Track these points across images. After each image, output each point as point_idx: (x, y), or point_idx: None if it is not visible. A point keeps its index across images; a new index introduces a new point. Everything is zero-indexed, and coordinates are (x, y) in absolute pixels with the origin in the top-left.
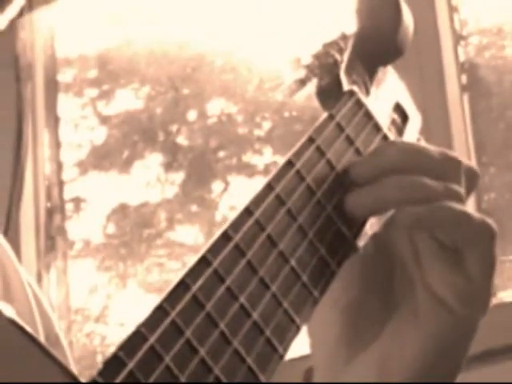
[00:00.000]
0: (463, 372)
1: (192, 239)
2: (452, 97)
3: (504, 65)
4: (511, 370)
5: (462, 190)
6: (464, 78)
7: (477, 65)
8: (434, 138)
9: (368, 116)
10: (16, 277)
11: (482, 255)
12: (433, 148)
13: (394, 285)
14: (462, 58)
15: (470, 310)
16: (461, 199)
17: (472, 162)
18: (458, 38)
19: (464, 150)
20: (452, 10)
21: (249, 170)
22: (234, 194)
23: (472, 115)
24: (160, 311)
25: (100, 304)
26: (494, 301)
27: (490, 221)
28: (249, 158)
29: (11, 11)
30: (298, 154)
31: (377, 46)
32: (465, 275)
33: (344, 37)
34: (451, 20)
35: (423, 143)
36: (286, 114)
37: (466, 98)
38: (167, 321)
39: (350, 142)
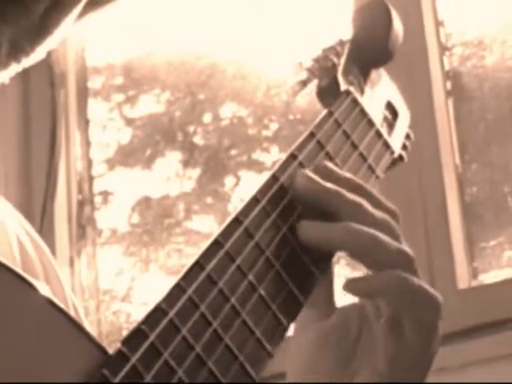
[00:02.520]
0: (449, 347)
1: (207, 228)
2: (438, 101)
3: (484, 73)
4: (494, 345)
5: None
6: (449, 85)
7: (460, 73)
8: (422, 138)
9: (363, 113)
10: (51, 268)
11: (420, 323)
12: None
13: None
14: (446, 67)
15: (398, 372)
16: (409, 262)
17: (456, 159)
18: (443, 49)
19: (449, 149)
20: (438, 24)
21: (258, 167)
22: (245, 188)
23: (456, 118)
24: (178, 289)
25: (125, 285)
26: (476, 283)
27: (435, 292)
28: (258, 155)
29: (61, 33)
30: (301, 147)
31: (370, 50)
32: (401, 341)
33: (341, 42)
34: (437, 33)
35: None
36: (291, 117)
37: (450, 102)
38: (184, 297)
39: (346, 136)
